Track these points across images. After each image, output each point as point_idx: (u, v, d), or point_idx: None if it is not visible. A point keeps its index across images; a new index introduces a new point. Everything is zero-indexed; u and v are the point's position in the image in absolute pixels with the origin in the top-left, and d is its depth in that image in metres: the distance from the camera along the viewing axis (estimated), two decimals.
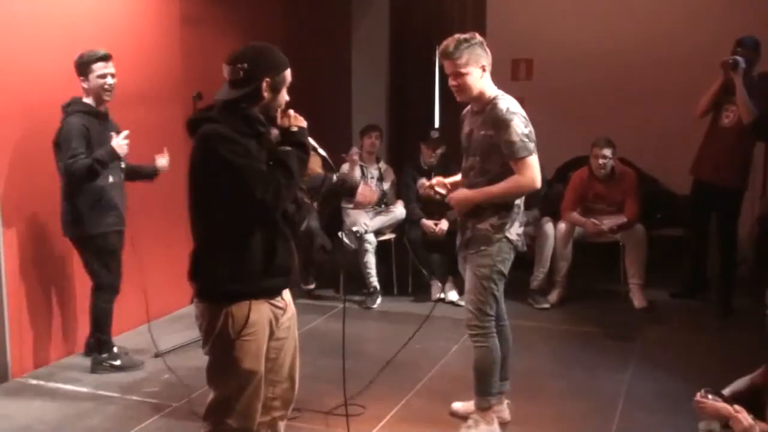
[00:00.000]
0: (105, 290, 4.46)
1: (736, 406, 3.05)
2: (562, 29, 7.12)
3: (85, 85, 4.27)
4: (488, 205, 3.49)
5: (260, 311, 2.69)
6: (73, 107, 4.27)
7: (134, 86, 5.06)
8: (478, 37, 3.47)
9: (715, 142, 5.51)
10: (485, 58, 3.47)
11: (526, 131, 3.42)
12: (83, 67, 4.25)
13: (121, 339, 4.96)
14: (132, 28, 5.08)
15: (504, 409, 3.79)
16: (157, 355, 4.73)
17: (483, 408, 3.63)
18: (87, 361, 4.57)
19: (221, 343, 2.66)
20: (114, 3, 4.94)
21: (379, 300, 5.94)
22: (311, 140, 2.76)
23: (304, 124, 2.74)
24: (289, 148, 2.66)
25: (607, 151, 5.71)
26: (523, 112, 3.47)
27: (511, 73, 7.28)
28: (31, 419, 3.89)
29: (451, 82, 3.48)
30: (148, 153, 5.09)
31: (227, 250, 2.63)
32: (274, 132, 2.74)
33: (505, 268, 3.54)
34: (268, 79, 2.63)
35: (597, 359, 4.72)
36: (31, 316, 4.46)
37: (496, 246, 3.49)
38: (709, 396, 3.20)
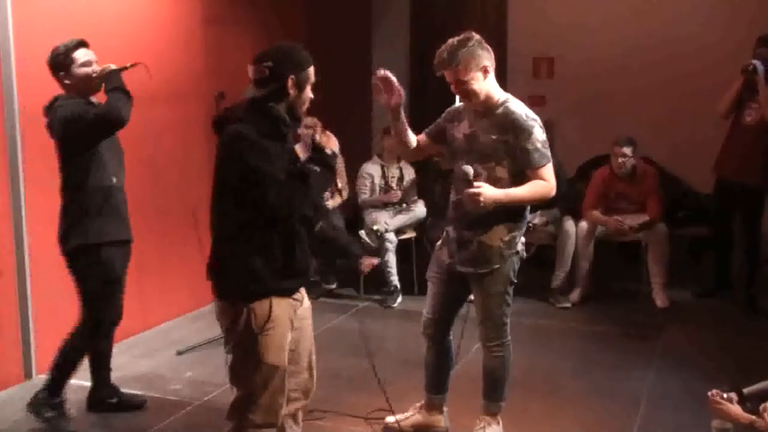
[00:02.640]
0: (101, 324, 3.76)
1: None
2: (583, 28, 7.09)
3: (67, 81, 3.64)
4: (495, 216, 3.29)
5: (281, 306, 2.74)
6: (62, 99, 3.64)
7: (156, 85, 5.09)
8: (475, 36, 3.21)
9: (737, 140, 5.46)
10: (487, 57, 3.22)
11: (544, 137, 3.27)
12: (62, 59, 3.59)
13: (141, 338, 5.01)
14: (154, 27, 5.11)
15: (444, 418, 3.77)
16: (179, 353, 4.76)
17: (493, 413, 3.60)
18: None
19: (245, 340, 2.70)
20: (136, 3, 4.98)
21: (399, 299, 5.94)
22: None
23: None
24: (317, 169, 2.73)
25: (628, 150, 5.68)
26: (538, 118, 3.31)
27: (532, 71, 7.26)
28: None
29: (454, 89, 3.28)
30: (170, 152, 5.15)
31: (247, 250, 2.68)
32: (304, 131, 2.81)
33: (515, 277, 3.45)
34: (293, 76, 2.68)
35: (619, 359, 4.69)
36: (55, 313, 4.50)
37: (509, 261, 3.38)
38: (725, 395, 3.18)
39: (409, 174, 6.36)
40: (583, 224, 5.82)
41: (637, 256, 5.94)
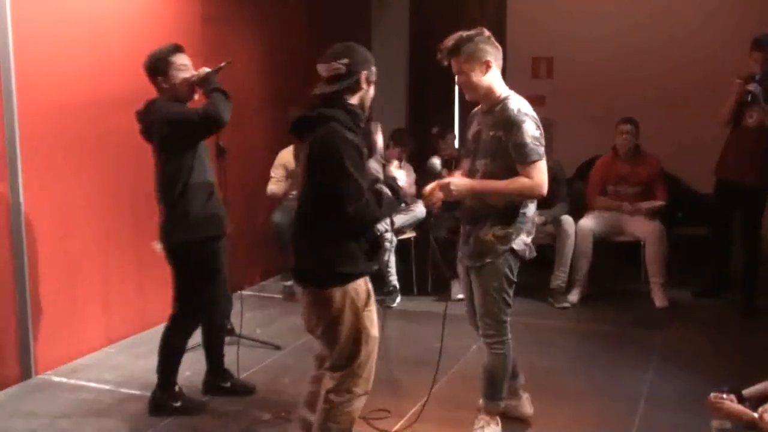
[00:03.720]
0: (200, 313, 3.96)
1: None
2: (582, 27, 7.09)
3: (165, 85, 3.75)
4: (490, 212, 3.34)
5: (368, 285, 2.99)
6: (160, 103, 3.75)
7: None
8: (485, 32, 3.26)
9: (738, 141, 5.47)
10: (491, 54, 3.25)
11: (537, 134, 3.25)
12: (160, 63, 3.74)
13: (141, 338, 5.00)
14: (154, 27, 5.11)
15: (524, 404, 3.79)
16: None
17: (492, 412, 3.61)
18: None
19: (352, 319, 2.91)
20: (136, 3, 4.98)
21: (398, 299, 5.94)
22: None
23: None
24: (389, 192, 2.95)
25: (629, 127, 5.77)
26: (534, 114, 3.30)
27: (531, 71, 7.27)
28: (54, 416, 3.93)
29: (458, 81, 3.36)
30: None
31: (345, 239, 2.87)
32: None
33: (514, 275, 3.44)
34: (365, 72, 2.89)
35: (618, 359, 4.69)
36: (55, 313, 4.50)
37: (502, 258, 3.38)
38: (725, 396, 3.18)
39: (410, 174, 6.35)
40: (583, 224, 5.81)
41: (636, 255, 5.94)
